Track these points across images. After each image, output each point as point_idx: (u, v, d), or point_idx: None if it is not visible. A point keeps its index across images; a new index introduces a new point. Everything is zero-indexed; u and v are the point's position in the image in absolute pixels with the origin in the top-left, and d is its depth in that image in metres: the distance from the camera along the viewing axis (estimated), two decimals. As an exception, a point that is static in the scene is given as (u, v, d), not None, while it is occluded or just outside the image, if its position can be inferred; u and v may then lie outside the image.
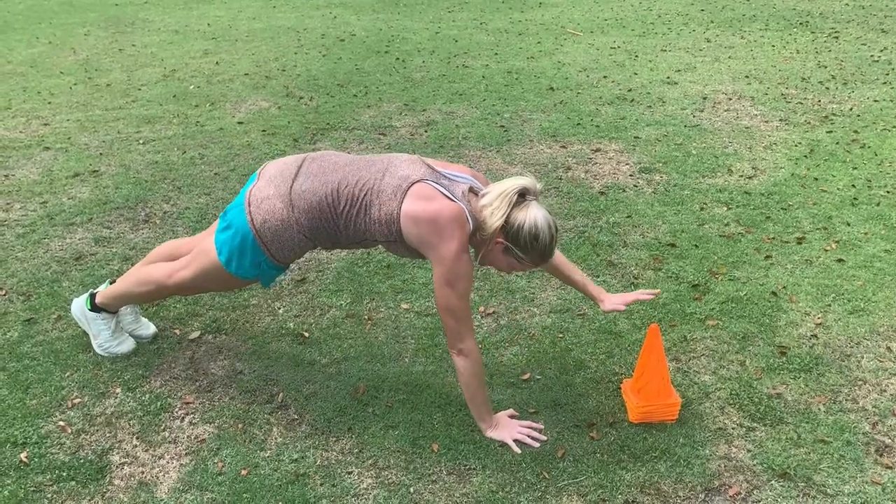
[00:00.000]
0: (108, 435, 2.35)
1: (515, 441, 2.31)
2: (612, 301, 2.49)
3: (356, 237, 2.23)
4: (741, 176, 4.26)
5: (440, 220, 2.09)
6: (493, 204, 2.13)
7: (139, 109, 5.51)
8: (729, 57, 6.87)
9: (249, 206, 2.21)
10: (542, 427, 2.37)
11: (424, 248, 2.14)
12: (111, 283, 2.68)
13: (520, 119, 5.24)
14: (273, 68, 6.67)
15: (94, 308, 2.64)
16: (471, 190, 2.22)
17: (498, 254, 2.20)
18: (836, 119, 5.14)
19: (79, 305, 2.69)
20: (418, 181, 2.14)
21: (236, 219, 2.24)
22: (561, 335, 2.84)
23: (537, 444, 2.30)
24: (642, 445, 2.30)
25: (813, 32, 7.75)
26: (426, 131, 5.01)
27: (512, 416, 2.41)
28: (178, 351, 2.75)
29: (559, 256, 2.47)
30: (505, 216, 2.12)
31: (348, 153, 2.37)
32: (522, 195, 2.15)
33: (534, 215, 2.12)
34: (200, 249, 2.37)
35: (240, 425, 2.39)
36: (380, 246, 2.32)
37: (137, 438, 2.34)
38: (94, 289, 2.70)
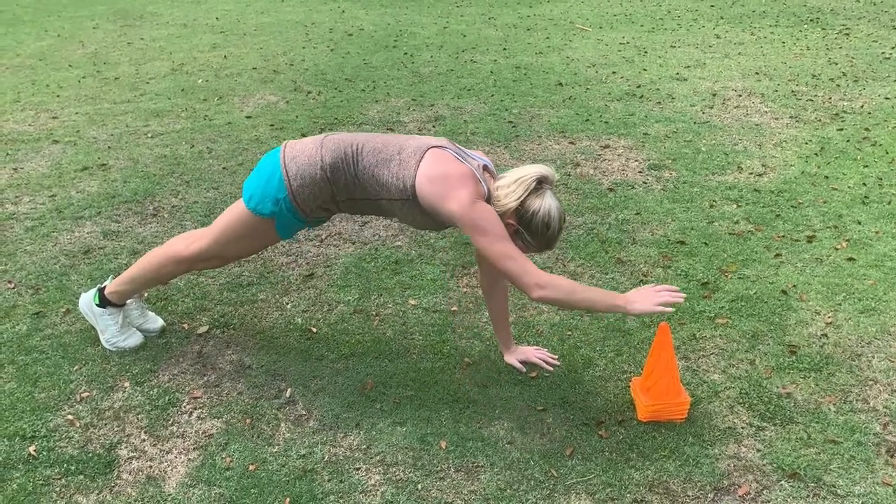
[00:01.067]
0: (116, 429, 2.35)
1: (662, 304, 2.12)
2: (515, 355, 2.59)
3: (372, 191, 2.29)
4: (751, 173, 4.23)
5: (451, 175, 2.19)
6: (511, 187, 2.22)
7: (147, 103, 5.52)
8: (739, 53, 6.83)
9: (285, 147, 2.36)
10: (677, 288, 2.17)
11: (439, 203, 2.18)
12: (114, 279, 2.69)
13: (528, 115, 5.23)
14: (281, 63, 6.67)
15: (102, 303, 2.64)
16: (485, 168, 2.31)
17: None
18: (847, 117, 5.11)
19: (86, 301, 2.69)
20: (437, 146, 2.25)
21: (268, 157, 2.37)
22: (569, 333, 2.83)
23: (671, 309, 2.13)
24: (651, 444, 2.29)
25: (823, 29, 7.71)
26: (434, 126, 5.00)
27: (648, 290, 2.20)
28: (186, 345, 2.75)
29: (504, 300, 2.57)
30: (521, 200, 2.20)
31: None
32: (540, 183, 2.22)
33: (549, 204, 2.21)
34: (222, 215, 2.48)
35: (247, 420, 2.39)
36: (394, 217, 2.39)
37: (145, 433, 2.34)
38: (101, 283, 2.70)
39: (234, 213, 2.41)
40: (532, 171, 2.23)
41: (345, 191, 2.32)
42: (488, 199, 2.24)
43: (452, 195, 2.16)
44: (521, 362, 2.62)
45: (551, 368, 2.60)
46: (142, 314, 2.76)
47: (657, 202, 3.89)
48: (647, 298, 2.14)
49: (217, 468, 2.21)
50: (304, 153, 2.31)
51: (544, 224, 2.21)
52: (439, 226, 2.34)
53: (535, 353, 2.63)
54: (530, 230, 2.23)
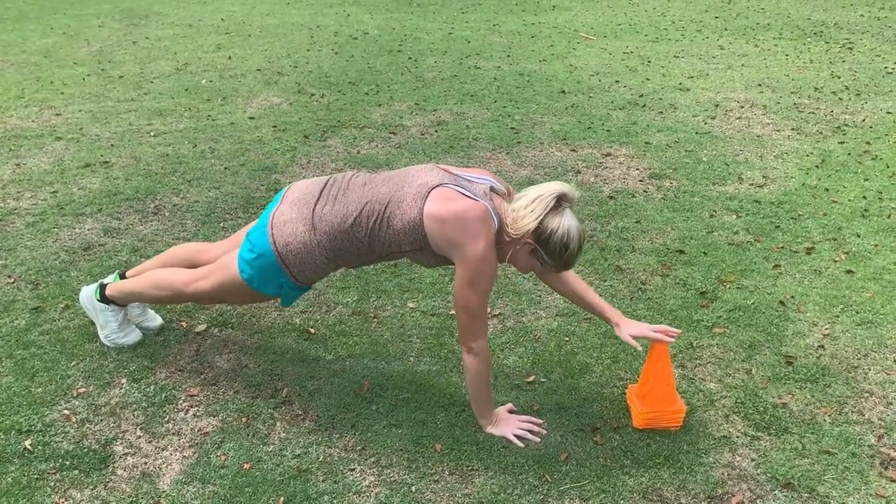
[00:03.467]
0: (112, 425, 2.35)
1: (517, 436, 2.31)
2: (629, 330, 2.37)
3: (383, 252, 2.24)
4: (751, 184, 4.24)
5: (465, 218, 2.09)
6: (529, 206, 2.13)
7: (151, 102, 5.53)
8: (742, 65, 6.85)
9: (272, 228, 2.25)
10: (542, 421, 2.38)
11: (451, 248, 2.12)
12: (120, 276, 2.69)
13: (531, 121, 5.24)
14: (285, 65, 6.69)
15: (104, 299, 2.64)
16: (491, 189, 2.22)
17: (523, 254, 2.21)
18: (849, 130, 5.12)
19: (87, 295, 2.69)
20: (437, 186, 2.15)
21: (258, 241, 2.26)
22: (567, 338, 2.83)
23: (538, 439, 2.31)
24: (646, 451, 2.29)
25: (827, 43, 7.73)
26: (437, 131, 5.01)
27: (510, 411, 2.43)
28: (184, 343, 2.75)
29: (576, 278, 2.44)
30: (539, 219, 2.12)
31: (369, 173, 2.37)
32: (559, 200, 2.15)
33: (567, 223, 2.13)
34: (222, 263, 2.38)
35: (243, 419, 2.39)
36: (406, 259, 2.31)
37: (141, 429, 2.34)
38: (104, 279, 2.71)
39: (235, 279, 2.32)
40: (551, 188, 2.14)
41: (353, 261, 2.29)
42: (499, 230, 2.16)
43: (468, 246, 2.08)
44: (635, 337, 2.37)
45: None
46: (142, 312, 2.77)
47: (657, 211, 3.90)
48: (508, 426, 2.33)
49: (212, 466, 2.21)
50: (296, 239, 2.21)
51: (563, 244, 2.13)
52: (451, 262, 2.25)
53: (648, 329, 2.36)
54: (548, 249, 2.15)
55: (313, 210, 2.23)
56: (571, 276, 2.45)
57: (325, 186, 2.29)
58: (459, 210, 2.09)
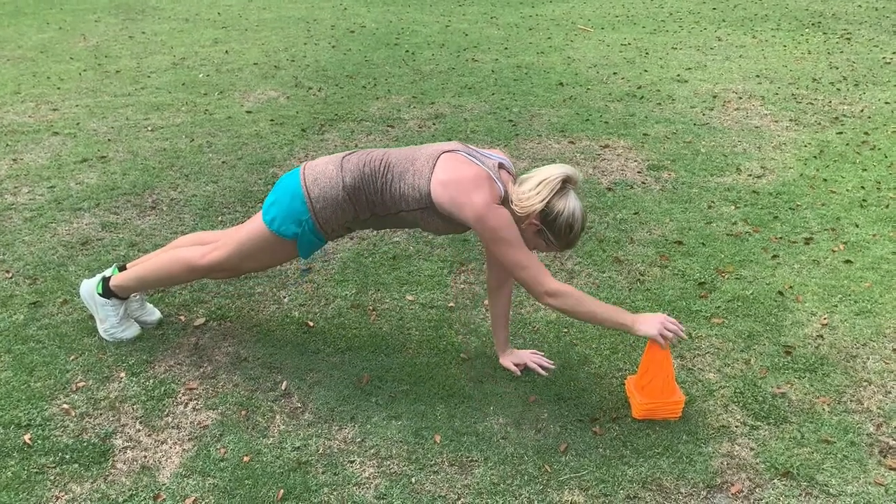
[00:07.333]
0: (111, 419, 2.35)
1: (663, 336, 2.26)
2: (509, 358, 2.60)
3: (392, 206, 2.33)
4: (750, 175, 4.24)
5: (464, 178, 2.22)
6: (536, 189, 2.24)
7: (148, 96, 5.52)
8: (740, 56, 6.84)
9: (304, 168, 2.40)
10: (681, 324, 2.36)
11: (457, 209, 2.22)
12: (119, 269, 2.69)
13: (528, 114, 5.23)
14: (282, 58, 6.67)
15: (105, 294, 2.64)
16: (502, 166, 2.34)
17: (529, 234, 2.30)
18: (847, 120, 5.12)
19: (88, 289, 2.68)
20: (450, 151, 2.28)
21: (288, 180, 2.40)
22: (565, 330, 2.83)
23: (685, 335, 2.36)
24: (645, 441, 2.30)
25: (825, 33, 7.72)
26: (434, 124, 5.00)
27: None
28: (183, 337, 2.75)
29: (507, 304, 2.60)
30: (546, 201, 2.22)
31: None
32: (564, 183, 2.25)
33: (573, 205, 2.24)
34: (238, 228, 2.50)
35: (243, 412, 2.39)
36: (417, 228, 2.41)
37: (140, 423, 2.34)
38: (105, 273, 2.70)
39: (255, 230, 2.42)
40: (557, 171, 2.25)
41: (367, 208, 2.35)
42: (505, 200, 2.26)
43: (467, 201, 2.20)
44: (517, 365, 2.61)
45: (545, 373, 2.58)
46: (141, 306, 2.77)
47: (656, 202, 3.89)
48: (655, 323, 2.26)
49: (211, 459, 2.21)
50: (324, 175, 2.34)
51: (568, 225, 2.24)
52: (462, 230, 2.37)
53: (530, 357, 2.62)
54: (553, 230, 2.26)
55: (343, 157, 2.39)
56: (506, 297, 2.58)
57: (353, 151, 2.46)
58: (460, 172, 2.23)
